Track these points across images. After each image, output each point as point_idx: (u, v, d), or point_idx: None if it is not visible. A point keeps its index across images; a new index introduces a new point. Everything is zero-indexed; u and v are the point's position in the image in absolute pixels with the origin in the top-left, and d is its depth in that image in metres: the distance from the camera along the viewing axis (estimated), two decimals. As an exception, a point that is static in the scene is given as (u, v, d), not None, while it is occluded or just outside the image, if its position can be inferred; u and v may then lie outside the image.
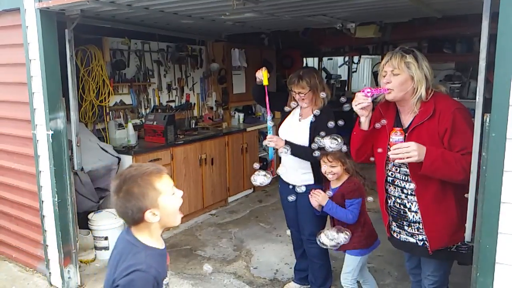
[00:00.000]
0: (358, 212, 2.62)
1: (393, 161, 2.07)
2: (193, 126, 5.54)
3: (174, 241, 4.23)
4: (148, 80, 5.00)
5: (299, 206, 2.97)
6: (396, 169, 2.20)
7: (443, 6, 3.38)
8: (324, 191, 2.77)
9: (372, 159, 2.29)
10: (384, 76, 2.11)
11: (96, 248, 3.90)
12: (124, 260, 1.41)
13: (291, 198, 2.69)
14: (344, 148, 2.29)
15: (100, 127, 4.48)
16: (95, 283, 3.51)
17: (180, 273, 3.61)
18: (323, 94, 2.78)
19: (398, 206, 2.24)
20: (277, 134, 2.96)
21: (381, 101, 2.25)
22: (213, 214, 5.08)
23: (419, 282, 2.46)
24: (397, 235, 2.30)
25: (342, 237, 2.36)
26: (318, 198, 2.63)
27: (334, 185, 2.74)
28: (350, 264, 2.71)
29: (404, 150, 1.94)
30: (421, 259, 2.34)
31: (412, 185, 2.11)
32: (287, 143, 2.83)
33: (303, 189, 2.67)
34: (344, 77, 9.50)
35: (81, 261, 3.67)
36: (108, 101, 4.40)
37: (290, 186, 2.94)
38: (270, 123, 2.86)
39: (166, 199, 1.44)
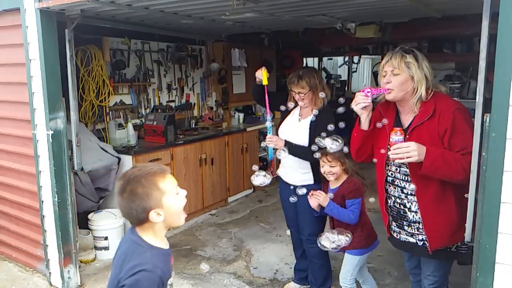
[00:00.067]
0: (359, 212, 2.62)
1: (393, 161, 2.07)
2: (193, 126, 5.54)
3: (174, 241, 4.23)
4: (148, 80, 5.00)
5: (298, 206, 2.97)
6: (396, 169, 2.20)
7: (443, 6, 3.38)
8: (324, 191, 2.78)
9: (375, 160, 2.28)
10: (384, 76, 2.11)
11: (96, 248, 3.90)
12: (130, 260, 1.40)
13: (293, 199, 2.69)
14: (346, 149, 2.29)
15: (100, 127, 4.48)
16: (95, 283, 3.51)
17: (180, 273, 3.61)
18: (322, 94, 2.78)
19: (398, 206, 2.24)
20: (276, 134, 2.96)
21: (381, 101, 2.25)
22: (213, 214, 5.08)
23: (419, 282, 2.46)
24: (397, 235, 2.30)
25: (343, 240, 2.35)
26: (320, 199, 2.62)
27: (333, 185, 2.74)
28: (349, 264, 2.71)
29: (404, 150, 1.94)
30: (421, 259, 2.34)
31: (412, 186, 2.11)
32: (286, 143, 2.84)
33: (304, 191, 2.68)
34: (344, 77, 9.50)
35: (81, 261, 3.67)
36: (108, 101, 4.40)
37: (292, 187, 2.94)
38: (269, 123, 2.86)
39: (170, 199, 1.44)
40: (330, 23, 4.07)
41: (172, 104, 5.36)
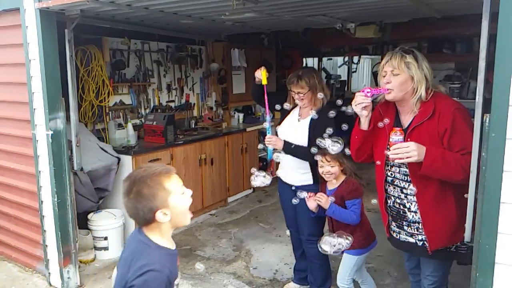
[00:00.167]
0: (360, 212, 2.62)
1: (393, 161, 2.07)
2: (193, 126, 5.54)
3: (173, 241, 4.22)
4: (148, 80, 4.99)
5: (298, 207, 2.96)
6: (396, 169, 2.20)
7: (443, 6, 3.38)
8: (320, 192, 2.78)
9: (378, 163, 2.27)
10: (384, 76, 2.11)
11: (95, 248, 3.90)
12: (138, 259, 1.41)
13: (295, 201, 2.69)
14: (347, 151, 2.29)
15: (99, 127, 4.47)
16: (95, 283, 3.51)
17: (180, 273, 3.60)
18: (320, 95, 2.77)
19: (397, 206, 2.24)
20: (276, 134, 2.96)
21: (380, 101, 2.25)
22: (213, 214, 5.08)
23: (418, 282, 2.46)
24: (396, 235, 2.30)
25: (344, 243, 2.35)
26: (321, 202, 2.61)
27: (331, 186, 2.73)
28: (347, 263, 2.71)
29: (404, 150, 1.94)
30: (421, 259, 2.34)
31: (413, 188, 2.11)
32: (286, 143, 2.84)
33: (305, 194, 2.68)
34: (344, 77, 9.50)
35: (80, 261, 3.67)
36: (108, 101, 4.40)
37: (293, 187, 2.94)
38: (268, 124, 2.85)
39: (176, 199, 1.45)
40: (330, 23, 4.07)
41: (172, 104, 5.36)
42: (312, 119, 2.84)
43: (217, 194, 5.23)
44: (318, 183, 2.85)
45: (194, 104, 5.73)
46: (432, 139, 2.01)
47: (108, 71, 4.40)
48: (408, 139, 2.02)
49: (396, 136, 2.01)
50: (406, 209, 2.20)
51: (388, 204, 2.29)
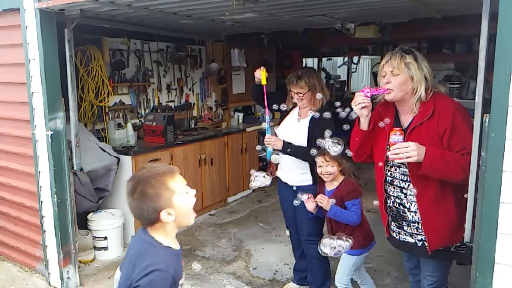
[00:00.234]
0: (360, 212, 2.62)
1: (393, 161, 2.07)
2: (193, 126, 5.54)
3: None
4: (148, 80, 4.99)
5: (297, 207, 2.95)
6: (396, 169, 2.20)
7: (443, 6, 3.38)
8: (318, 193, 2.77)
9: (380, 164, 2.27)
10: (384, 76, 2.11)
11: (95, 248, 3.90)
12: (143, 259, 1.41)
13: (296, 202, 2.69)
14: (349, 154, 2.29)
15: (99, 127, 4.47)
16: (94, 283, 3.51)
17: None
18: (319, 95, 2.77)
19: (397, 206, 2.24)
20: (275, 134, 2.96)
21: (380, 101, 2.25)
22: (213, 214, 5.08)
23: (418, 282, 2.46)
24: (396, 235, 2.30)
25: (344, 245, 2.35)
26: (323, 203, 2.60)
27: (330, 187, 2.73)
28: (346, 263, 2.71)
29: (404, 150, 1.94)
30: (420, 259, 2.34)
31: (413, 190, 2.10)
32: (285, 143, 2.84)
33: (305, 197, 2.68)
34: (344, 77, 9.50)
35: (80, 262, 3.66)
36: (108, 101, 4.39)
37: (294, 187, 2.94)
38: (267, 124, 2.85)
39: (180, 198, 1.46)
40: (330, 24, 4.07)
41: (172, 104, 5.36)
42: (311, 119, 2.84)
43: (217, 194, 5.23)
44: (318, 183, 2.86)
45: (193, 104, 5.73)
46: (431, 139, 2.01)
47: (107, 71, 4.40)
48: (408, 139, 2.02)
49: (395, 136, 2.01)
50: (405, 209, 2.20)
51: (388, 204, 2.28)
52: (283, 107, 2.80)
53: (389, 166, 2.22)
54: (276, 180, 3.09)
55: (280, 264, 3.78)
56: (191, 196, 1.51)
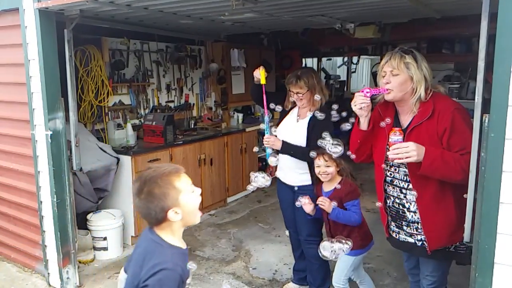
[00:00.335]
0: (361, 212, 2.62)
1: (392, 161, 2.07)
2: (192, 126, 5.54)
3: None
4: (147, 80, 4.99)
5: (296, 207, 2.96)
6: (395, 169, 2.20)
7: (442, 6, 3.38)
8: (317, 194, 2.77)
9: (383, 165, 2.26)
10: (384, 77, 2.12)
11: (95, 248, 3.90)
12: (150, 258, 1.42)
13: (298, 203, 2.69)
14: (352, 156, 2.28)
15: (99, 127, 4.47)
16: (94, 283, 3.50)
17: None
18: (317, 97, 2.76)
19: (397, 206, 2.24)
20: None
21: (380, 101, 2.25)
22: (212, 215, 5.08)
23: (417, 282, 2.46)
24: (396, 235, 2.31)
25: (344, 248, 2.34)
26: (324, 206, 2.58)
27: (327, 188, 2.72)
28: (344, 264, 2.70)
29: (404, 150, 1.94)
30: (420, 259, 2.34)
31: (413, 191, 2.10)
32: (284, 143, 2.83)
33: (306, 201, 2.68)
34: (343, 77, 9.51)
35: (80, 262, 3.66)
36: (107, 102, 4.39)
37: (296, 188, 2.94)
38: (266, 124, 2.85)
39: (187, 197, 1.47)
40: (330, 24, 4.07)
41: (171, 105, 5.36)
42: (310, 120, 2.84)
43: (217, 194, 5.23)
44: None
45: (193, 104, 5.73)
46: (431, 139, 2.01)
47: (107, 71, 4.40)
48: (408, 139, 2.02)
49: (395, 136, 2.01)
50: (405, 209, 2.20)
51: (388, 204, 2.29)
52: (278, 108, 2.79)
53: (388, 166, 2.22)
54: (275, 181, 3.08)
55: (280, 264, 3.78)
56: (197, 195, 1.53)
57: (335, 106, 2.26)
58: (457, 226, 2.06)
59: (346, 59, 8.72)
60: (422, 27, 5.45)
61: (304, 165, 2.87)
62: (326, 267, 3.09)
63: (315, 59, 8.51)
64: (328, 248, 2.27)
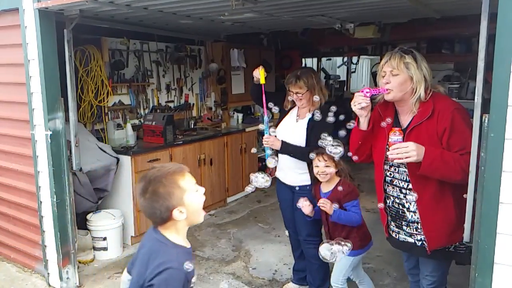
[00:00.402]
0: (360, 212, 2.62)
1: (392, 161, 2.07)
2: (192, 126, 5.54)
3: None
4: (147, 80, 4.99)
5: (295, 207, 2.96)
6: (395, 169, 2.20)
7: (442, 6, 3.38)
8: (315, 194, 2.77)
9: (385, 166, 2.26)
10: (383, 77, 2.12)
11: (94, 248, 3.90)
12: (155, 258, 1.43)
13: (299, 205, 2.68)
14: (355, 158, 2.28)
15: (98, 127, 4.47)
16: (94, 283, 3.50)
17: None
18: (316, 98, 2.75)
19: (396, 206, 2.24)
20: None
21: (380, 101, 2.25)
22: (212, 215, 5.08)
23: (417, 282, 2.46)
24: (395, 235, 2.31)
25: (344, 250, 2.34)
26: (326, 208, 2.57)
27: (325, 189, 2.72)
28: (342, 264, 2.70)
29: (403, 150, 1.94)
30: (420, 259, 2.34)
31: (413, 194, 2.10)
32: (283, 143, 2.83)
33: (306, 203, 2.67)
34: (343, 77, 9.51)
35: (79, 262, 3.66)
36: (107, 102, 4.39)
37: (297, 188, 2.94)
38: (265, 124, 2.84)
39: (191, 196, 1.49)
40: (329, 24, 4.07)
41: (171, 105, 5.36)
42: (310, 120, 2.84)
43: (216, 194, 5.23)
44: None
45: (193, 104, 5.73)
46: (431, 139, 2.01)
47: (107, 71, 4.40)
48: (407, 139, 2.02)
49: (395, 136, 2.01)
50: (405, 209, 2.20)
51: (387, 204, 2.29)
52: (275, 109, 2.78)
53: (388, 166, 2.22)
54: (275, 181, 3.08)
55: (280, 264, 3.78)
56: (201, 194, 1.55)
57: (333, 108, 2.26)
58: (457, 226, 2.06)
59: (345, 59, 8.72)
60: (421, 27, 5.45)
61: (304, 165, 2.87)
62: (325, 267, 3.09)
63: (315, 59, 8.51)
64: (328, 250, 2.27)
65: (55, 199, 3.19)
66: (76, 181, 3.64)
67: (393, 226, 2.31)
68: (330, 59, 9.80)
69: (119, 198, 4.18)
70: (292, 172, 2.96)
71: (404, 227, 2.24)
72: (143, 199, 1.45)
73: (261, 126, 2.86)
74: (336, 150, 2.17)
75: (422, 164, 1.94)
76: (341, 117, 2.25)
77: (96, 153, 3.94)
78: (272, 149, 2.87)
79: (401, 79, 2.06)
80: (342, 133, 2.17)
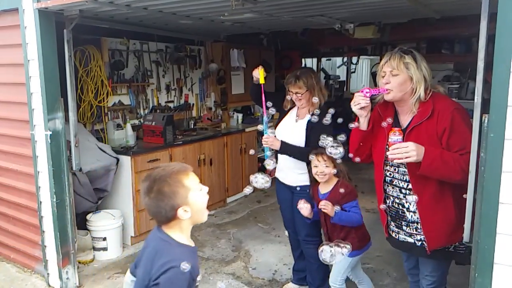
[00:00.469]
0: (360, 212, 2.62)
1: (392, 161, 2.07)
2: (192, 126, 5.54)
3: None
4: (147, 81, 4.99)
5: (295, 208, 2.96)
6: (395, 169, 2.20)
7: (442, 7, 3.39)
8: (313, 196, 2.76)
9: (386, 167, 2.25)
10: (383, 77, 2.12)
11: (94, 249, 3.89)
12: (160, 257, 1.44)
13: (299, 207, 2.68)
14: (357, 159, 2.27)
15: (98, 127, 4.47)
16: (94, 283, 3.50)
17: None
18: (315, 99, 2.75)
19: (396, 206, 2.24)
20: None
21: (379, 101, 2.25)
22: (212, 215, 5.07)
23: (417, 282, 2.46)
24: (395, 235, 2.31)
25: (344, 251, 2.34)
26: (327, 210, 2.56)
27: (324, 190, 2.71)
28: (341, 264, 2.70)
29: (403, 150, 1.94)
30: (419, 259, 2.34)
31: (413, 195, 2.10)
32: (282, 143, 2.83)
33: (306, 205, 2.67)
34: (343, 77, 9.52)
35: (79, 262, 3.66)
36: (107, 102, 4.39)
37: (298, 188, 2.93)
38: (264, 125, 2.84)
39: (195, 195, 1.49)
40: (329, 24, 4.07)
41: (171, 105, 5.36)
42: (309, 120, 2.84)
43: (216, 195, 5.22)
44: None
45: (193, 104, 5.73)
46: (431, 139, 2.02)
47: (107, 71, 4.40)
48: (407, 139, 2.02)
49: (395, 136, 2.01)
50: (405, 209, 2.20)
51: (387, 204, 2.29)
52: (272, 111, 2.77)
53: (388, 166, 2.22)
54: (274, 181, 3.08)
55: (280, 264, 3.78)
56: (205, 193, 1.55)
57: (331, 111, 2.26)
58: (457, 226, 2.06)
59: (345, 59, 8.72)
60: (421, 27, 5.45)
61: (303, 165, 2.87)
62: (325, 267, 3.08)
63: (315, 59, 8.51)
64: (327, 252, 2.27)
65: (55, 199, 3.19)
66: (76, 181, 3.64)
67: (393, 226, 2.31)
68: (330, 59, 9.80)
69: (119, 198, 4.18)
70: (292, 173, 2.96)
71: (404, 227, 2.24)
72: (148, 198, 1.46)
73: (260, 127, 2.86)
74: (336, 150, 2.17)
75: (422, 164, 1.94)
76: (339, 120, 2.25)
77: (96, 153, 3.94)
78: (272, 149, 2.87)
79: (401, 79, 2.06)
80: (342, 138, 2.16)
